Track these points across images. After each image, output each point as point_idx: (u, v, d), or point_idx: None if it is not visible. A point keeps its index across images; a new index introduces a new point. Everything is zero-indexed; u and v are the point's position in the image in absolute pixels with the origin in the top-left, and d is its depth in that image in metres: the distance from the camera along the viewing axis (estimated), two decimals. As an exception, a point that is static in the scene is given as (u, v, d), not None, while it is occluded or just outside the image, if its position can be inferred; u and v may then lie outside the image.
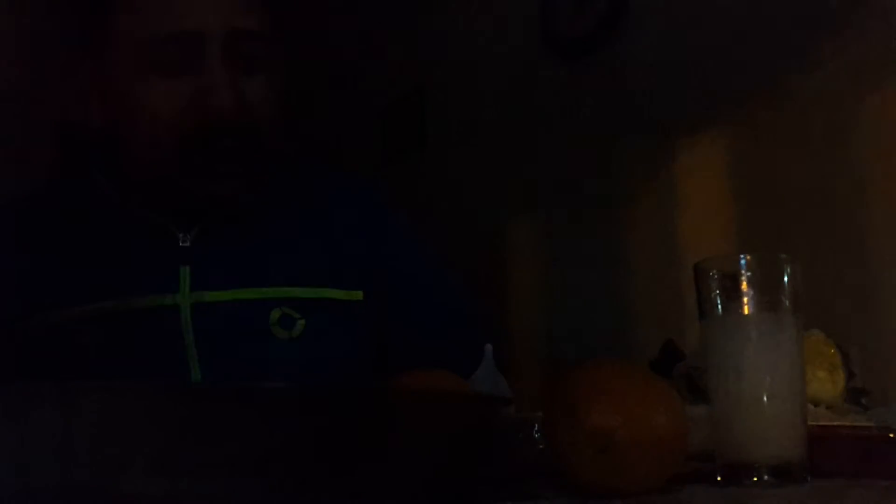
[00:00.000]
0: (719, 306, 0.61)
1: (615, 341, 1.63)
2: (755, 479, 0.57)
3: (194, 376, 0.86)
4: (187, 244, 0.90)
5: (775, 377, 0.58)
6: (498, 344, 0.93)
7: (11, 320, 0.87)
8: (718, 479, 0.59)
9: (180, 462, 0.42)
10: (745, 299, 0.60)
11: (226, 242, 0.91)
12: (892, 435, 0.65)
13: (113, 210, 0.92)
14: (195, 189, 0.87)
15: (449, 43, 2.17)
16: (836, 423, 0.72)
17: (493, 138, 2.00)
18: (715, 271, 0.61)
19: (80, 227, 0.92)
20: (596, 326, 1.68)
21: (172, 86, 0.85)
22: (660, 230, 1.60)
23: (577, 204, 1.77)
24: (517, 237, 1.95)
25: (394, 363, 0.96)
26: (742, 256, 0.61)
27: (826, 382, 0.78)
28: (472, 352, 0.87)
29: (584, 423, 0.51)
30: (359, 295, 0.94)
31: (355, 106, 2.43)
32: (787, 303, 0.60)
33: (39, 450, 0.42)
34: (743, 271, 0.60)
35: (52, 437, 0.42)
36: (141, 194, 0.91)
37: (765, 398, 0.58)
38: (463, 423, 0.51)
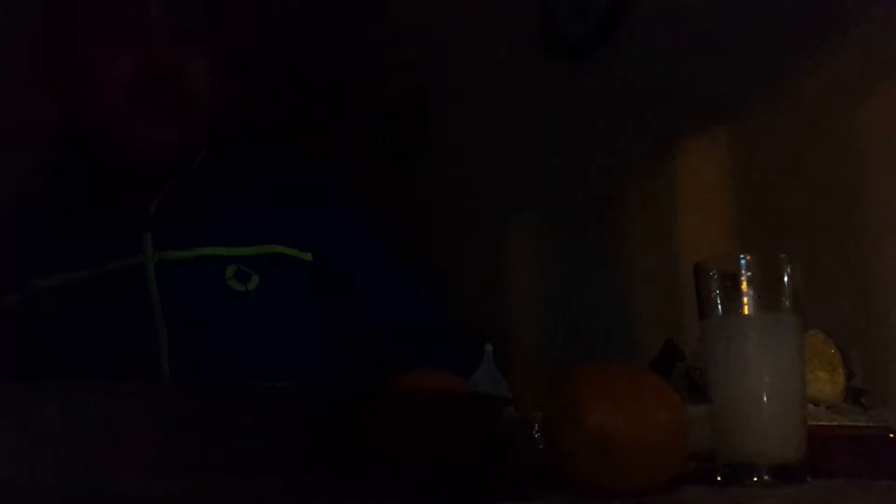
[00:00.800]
0: (719, 306, 0.61)
1: (615, 341, 1.63)
2: (755, 479, 0.57)
3: (160, 330, 0.93)
4: (150, 213, 0.98)
5: (775, 377, 0.58)
6: (498, 344, 0.93)
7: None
8: (718, 479, 0.59)
9: (180, 462, 0.42)
10: (745, 299, 0.60)
11: (184, 211, 0.99)
12: (892, 435, 0.65)
13: (83, 191, 1.01)
14: (142, 139, 0.95)
15: (449, 43, 2.17)
16: (836, 423, 0.72)
17: (493, 138, 2.00)
18: (715, 271, 0.61)
19: (53, 210, 1.00)
20: (596, 326, 1.68)
21: (121, 45, 0.95)
22: (660, 230, 1.60)
23: (577, 204, 1.77)
24: (517, 237, 1.95)
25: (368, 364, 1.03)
26: (742, 256, 0.61)
27: (826, 382, 0.78)
28: (438, 340, 0.95)
29: (584, 423, 0.51)
30: (308, 256, 1.02)
31: (355, 106, 2.43)
32: (787, 303, 0.60)
33: (39, 450, 0.42)
34: (743, 271, 0.60)
35: (51, 437, 0.42)
36: (104, 168, 1.00)
37: (765, 398, 0.58)
38: (463, 423, 0.51)
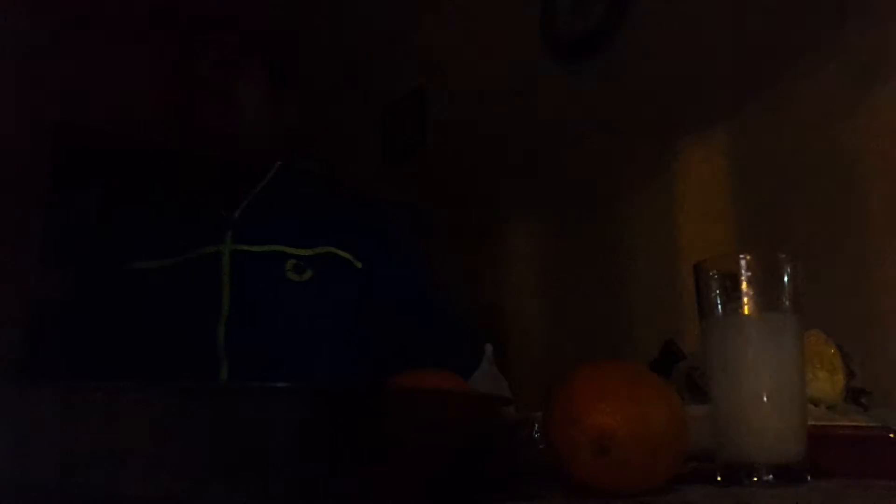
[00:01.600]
0: (719, 306, 0.61)
1: (615, 341, 1.63)
2: (755, 479, 0.57)
3: (224, 305, 1.12)
4: (233, 217, 1.20)
5: (775, 377, 0.58)
6: (498, 344, 0.93)
7: (103, 266, 1.18)
8: (718, 479, 0.59)
9: (180, 462, 0.42)
10: (745, 299, 0.60)
11: (260, 218, 1.20)
12: (892, 435, 0.65)
13: (186, 199, 1.23)
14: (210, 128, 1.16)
15: (449, 43, 2.17)
16: (836, 423, 0.72)
17: (493, 138, 2.00)
18: (715, 271, 0.61)
19: (159, 207, 1.25)
20: (596, 326, 1.68)
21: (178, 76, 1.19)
22: (660, 230, 1.60)
23: (577, 204, 1.77)
24: (517, 237, 1.95)
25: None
26: (742, 256, 0.61)
27: (826, 382, 0.78)
28: (459, 355, 1.01)
29: (584, 423, 0.51)
30: (359, 264, 1.20)
31: (356, 106, 2.43)
32: (787, 303, 0.60)
33: (40, 450, 0.42)
34: (743, 271, 0.60)
35: (52, 437, 0.42)
36: (198, 178, 1.23)
37: (765, 398, 0.58)
38: (463, 423, 0.51)
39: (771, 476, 0.56)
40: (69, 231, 1.31)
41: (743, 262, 0.60)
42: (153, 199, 1.28)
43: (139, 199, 1.30)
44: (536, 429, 0.68)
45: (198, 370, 1.10)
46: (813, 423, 0.62)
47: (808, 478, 0.57)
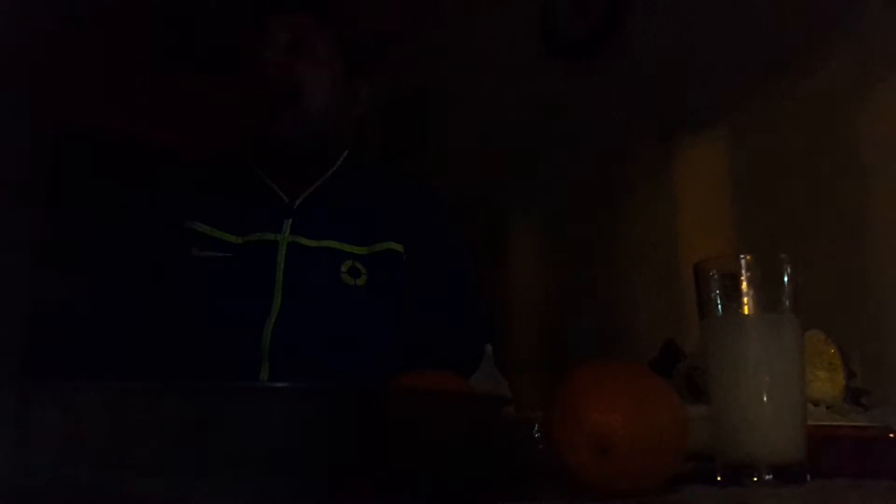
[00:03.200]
0: (719, 306, 0.61)
1: (615, 341, 1.63)
2: (755, 479, 0.57)
3: (276, 298, 1.10)
4: (294, 206, 1.18)
5: (775, 377, 0.58)
6: (498, 344, 0.93)
7: (170, 248, 1.15)
8: (718, 479, 0.59)
9: (180, 462, 0.42)
10: (745, 299, 0.60)
11: (320, 209, 1.18)
12: (892, 435, 0.65)
13: (252, 181, 1.21)
14: (269, 138, 1.14)
15: (449, 43, 2.17)
16: (836, 423, 0.72)
17: (493, 138, 2.00)
18: (715, 271, 0.61)
19: (228, 192, 1.21)
20: (596, 326, 1.68)
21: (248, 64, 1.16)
22: (660, 230, 1.60)
23: (577, 204, 1.77)
24: (517, 237, 1.95)
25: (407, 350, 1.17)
26: (742, 256, 0.61)
27: (826, 382, 0.78)
28: (472, 350, 0.96)
29: (584, 423, 0.51)
30: (401, 248, 1.18)
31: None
32: (787, 303, 0.60)
33: (40, 449, 0.42)
34: (743, 271, 0.60)
35: (52, 436, 0.42)
36: (263, 167, 1.20)
37: (765, 398, 0.58)
38: (463, 423, 0.51)
39: (771, 476, 0.56)
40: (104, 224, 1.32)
41: (743, 262, 0.60)
42: (216, 183, 1.25)
43: (201, 182, 1.27)
44: (536, 429, 0.68)
45: (238, 369, 1.07)
46: (813, 423, 0.62)
47: (808, 478, 0.57)
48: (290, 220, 1.16)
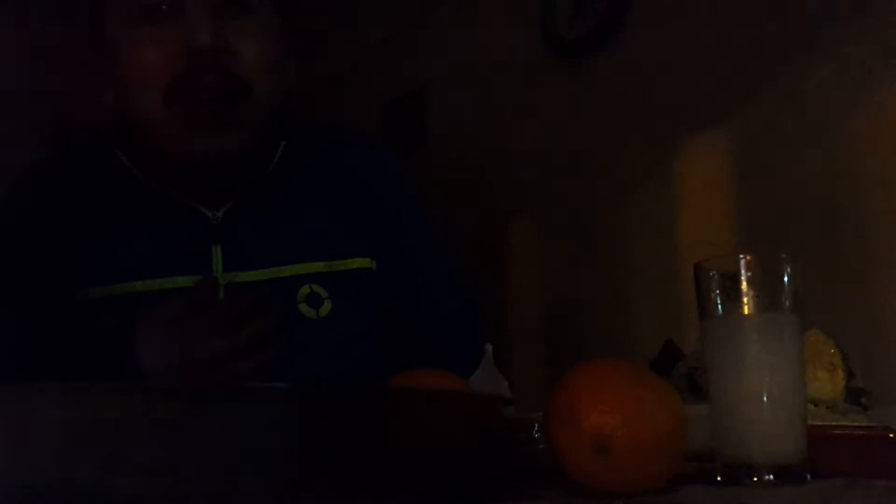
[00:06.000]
0: (719, 306, 0.61)
1: (615, 341, 1.63)
2: (755, 479, 0.57)
3: None
4: (217, 223, 0.90)
5: (775, 377, 0.58)
6: (498, 344, 0.93)
7: (40, 299, 0.87)
8: (718, 479, 0.59)
9: (180, 462, 0.42)
10: (745, 299, 0.60)
11: (254, 219, 0.91)
12: (892, 435, 0.65)
13: (140, 189, 0.92)
14: (194, 145, 0.85)
15: (449, 43, 2.17)
16: (836, 423, 0.72)
17: (494, 138, 2.00)
18: (715, 271, 0.61)
19: (106, 204, 0.90)
20: (596, 326, 1.68)
21: (158, 32, 0.84)
22: (660, 230, 1.60)
23: (577, 204, 1.77)
24: (517, 237, 1.95)
25: (397, 352, 1.01)
26: (742, 256, 0.61)
27: (826, 382, 0.78)
28: (471, 350, 0.90)
29: (584, 423, 0.51)
30: (373, 263, 0.96)
31: (356, 106, 2.43)
32: (787, 303, 0.60)
33: (39, 450, 0.42)
34: (743, 271, 0.60)
35: (51, 437, 0.42)
36: (160, 172, 0.91)
37: (765, 398, 0.58)
38: (463, 423, 0.51)
39: (771, 476, 0.56)
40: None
41: (743, 262, 0.60)
42: (127, 194, 0.93)
43: (110, 198, 0.94)
44: (536, 429, 0.68)
45: None
46: (813, 423, 0.62)
47: (808, 478, 0.57)
48: (220, 248, 0.88)
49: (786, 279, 0.60)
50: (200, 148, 0.85)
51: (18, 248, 0.91)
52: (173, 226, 0.90)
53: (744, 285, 0.60)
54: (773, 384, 0.58)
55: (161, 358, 0.79)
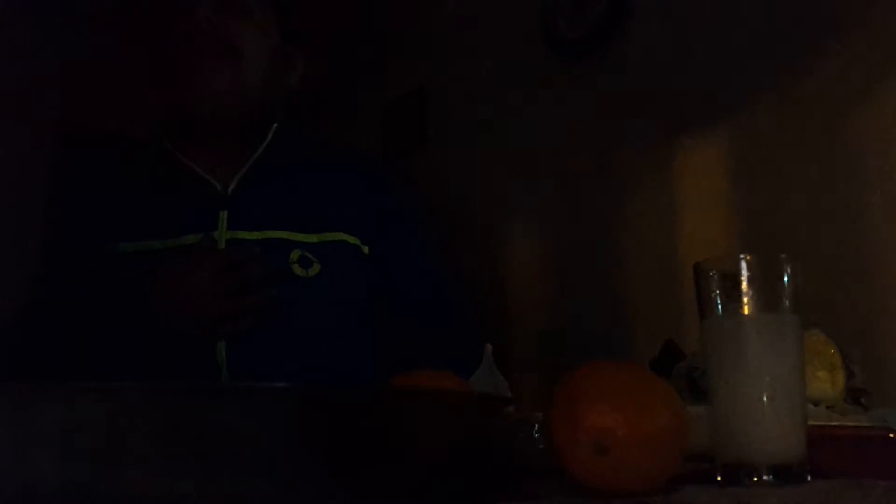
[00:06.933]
0: (719, 306, 0.61)
1: (615, 341, 1.63)
2: (755, 479, 0.57)
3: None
4: (226, 194, 1.07)
5: (775, 377, 0.58)
6: (498, 344, 0.93)
7: (77, 253, 1.05)
8: (718, 479, 0.59)
9: (180, 462, 0.42)
10: (745, 299, 0.60)
11: (255, 194, 1.07)
12: (892, 435, 0.65)
13: (170, 167, 1.09)
14: (194, 72, 1.04)
15: (449, 43, 2.17)
16: (836, 423, 0.72)
17: (493, 138, 2.00)
18: (715, 271, 0.61)
19: (142, 179, 1.11)
20: (596, 326, 1.68)
21: (176, 23, 1.06)
22: (660, 230, 1.60)
23: (577, 204, 1.77)
24: (517, 237, 1.95)
25: (397, 353, 1.10)
26: (742, 256, 0.61)
27: (826, 382, 0.78)
28: (466, 351, 0.95)
29: (584, 423, 0.51)
30: (366, 249, 1.10)
31: (355, 106, 2.43)
32: (787, 303, 0.60)
33: (39, 450, 0.42)
34: (743, 271, 0.60)
35: (52, 437, 0.42)
36: (187, 145, 1.09)
37: (765, 398, 0.58)
38: (463, 423, 0.51)
39: (771, 476, 0.57)
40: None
41: (743, 262, 0.60)
42: (142, 173, 1.12)
43: (127, 175, 1.13)
44: (536, 429, 0.68)
45: (195, 378, 0.96)
46: (813, 423, 0.62)
47: (808, 478, 0.57)
48: (226, 213, 1.05)
49: (786, 279, 0.60)
50: (200, 77, 1.04)
51: (71, 207, 1.12)
52: (191, 195, 1.07)
53: (744, 285, 0.60)
54: (773, 384, 0.58)
55: (165, 293, 0.96)
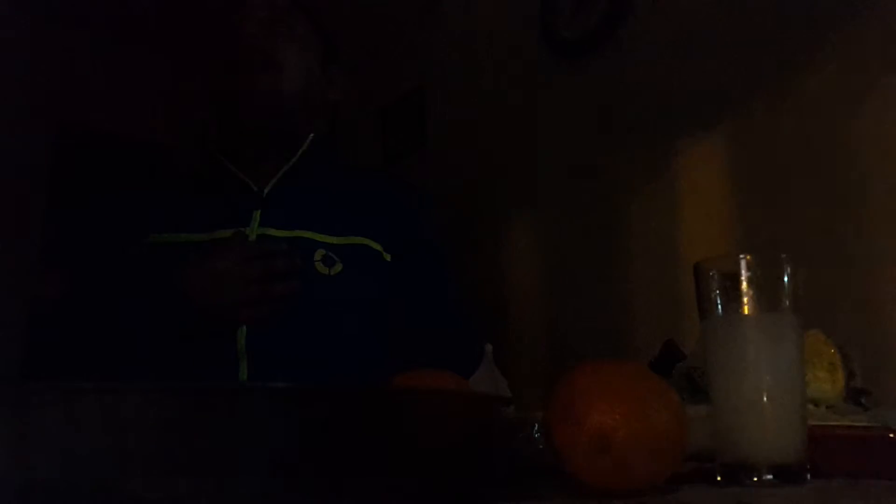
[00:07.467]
0: (719, 306, 0.61)
1: (615, 341, 1.63)
2: (755, 479, 0.57)
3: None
4: (262, 195, 1.16)
5: (775, 377, 0.58)
6: (498, 344, 0.93)
7: (126, 243, 1.12)
8: (718, 479, 0.59)
9: (180, 462, 0.42)
10: (745, 299, 0.60)
11: (288, 198, 1.16)
12: (892, 435, 0.65)
13: (213, 168, 1.20)
14: (238, 81, 1.12)
15: (449, 43, 2.17)
16: (836, 423, 0.72)
17: (493, 138, 2.00)
18: (715, 271, 0.61)
19: (187, 180, 1.21)
20: (596, 326, 1.68)
21: (226, 39, 1.16)
22: (660, 230, 1.60)
23: (577, 204, 1.77)
24: (517, 237, 1.95)
25: (399, 352, 1.13)
26: (742, 256, 0.61)
27: (826, 382, 0.78)
28: (466, 351, 0.98)
29: (584, 423, 0.51)
30: (388, 257, 1.16)
31: (356, 106, 2.43)
32: (787, 303, 0.60)
33: (40, 450, 0.42)
34: (743, 271, 0.60)
35: (52, 437, 0.42)
36: (230, 152, 1.19)
37: (765, 398, 0.58)
38: (463, 423, 0.51)
39: (771, 476, 0.57)
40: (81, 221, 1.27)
41: (743, 262, 0.60)
42: (187, 175, 1.23)
43: (173, 176, 1.25)
44: (536, 429, 0.68)
45: (216, 371, 1.03)
46: (813, 423, 0.62)
47: (808, 478, 0.57)
48: (260, 212, 1.13)
49: (786, 279, 0.60)
50: (244, 86, 1.12)
51: (117, 204, 1.20)
52: (230, 195, 1.16)
53: (744, 285, 0.60)
54: (773, 384, 0.58)
55: (195, 275, 1.04)
